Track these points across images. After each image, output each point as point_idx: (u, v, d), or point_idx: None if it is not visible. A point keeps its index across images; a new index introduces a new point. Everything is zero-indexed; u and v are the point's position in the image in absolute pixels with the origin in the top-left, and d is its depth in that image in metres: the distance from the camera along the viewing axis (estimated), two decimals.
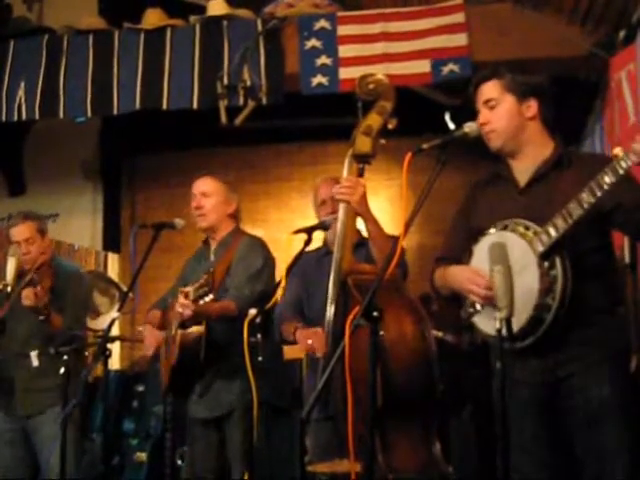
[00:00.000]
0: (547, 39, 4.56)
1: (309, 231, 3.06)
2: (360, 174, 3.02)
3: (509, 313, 2.24)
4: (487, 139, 2.60)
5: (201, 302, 3.24)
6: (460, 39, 4.65)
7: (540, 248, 2.35)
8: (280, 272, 2.98)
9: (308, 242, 3.05)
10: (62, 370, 3.50)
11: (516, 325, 2.30)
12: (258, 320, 2.90)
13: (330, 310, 2.91)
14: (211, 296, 3.20)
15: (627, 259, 3.81)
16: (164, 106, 4.86)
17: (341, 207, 3.03)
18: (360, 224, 3.12)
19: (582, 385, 2.42)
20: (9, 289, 3.96)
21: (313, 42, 4.81)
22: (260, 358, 2.89)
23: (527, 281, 2.34)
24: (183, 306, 3.28)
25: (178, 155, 6.78)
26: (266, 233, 6.17)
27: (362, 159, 3.02)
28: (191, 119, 5.25)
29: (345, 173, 3.09)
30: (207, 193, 3.68)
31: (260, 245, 3.71)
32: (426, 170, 2.45)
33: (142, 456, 5.27)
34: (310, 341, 3.05)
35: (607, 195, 2.25)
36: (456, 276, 2.58)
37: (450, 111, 5.02)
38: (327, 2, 5.03)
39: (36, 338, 3.96)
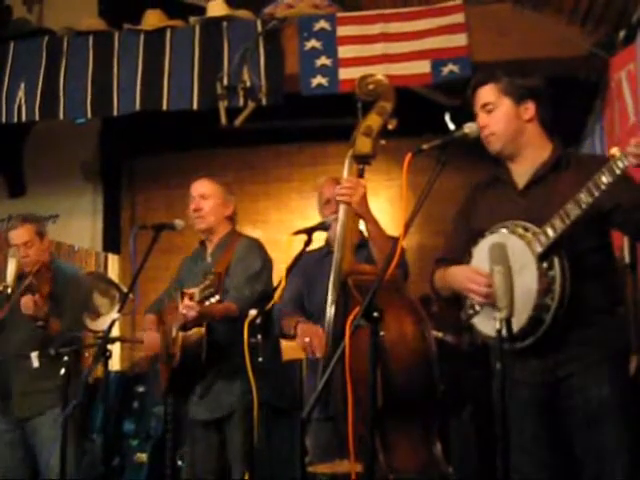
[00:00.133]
0: (547, 39, 4.55)
1: (309, 232, 3.06)
2: (360, 175, 3.02)
3: (509, 313, 2.24)
4: (486, 142, 2.61)
5: (207, 303, 3.23)
6: (460, 39, 4.65)
7: (538, 249, 2.35)
8: (280, 273, 2.98)
9: (308, 243, 3.05)
10: (62, 371, 3.50)
11: (516, 325, 2.30)
12: (258, 321, 2.90)
13: (330, 311, 2.92)
14: (217, 297, 3.19)
15: (627, 259, 3.82)
16: (164, 107, 4.86)
17: (341, 208, 3.03)
18: (361, 225, 3.12)
19: (582, 385, 2.42)
20: (9, 290, 3.96)
21: (313, 43, 4.81)
22: (260, 359, 2.89)
23: (526, 281, 2.35)
24: (188, 307, 3.27)
25: (178, 156, 6.77)
26: (266, 234, 6.21)
27: (362, 160, 3.02)
28: (191, 120, 5.25)
29: (345, 174, 3.09)
30: (205, 195, 3.69)
31: (258, 246, 3.71)
32: (426, 171, 2.45)
33: (142, 457, 5.28)
34: (308, 339, 3.04)
35: (605, 195, 2.25)
36: (456, 276, 2.58)
37: (450, 112, 5.02)
38: (327, 3, 5.03)
39: (33, 341, 3.95)
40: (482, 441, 4.58)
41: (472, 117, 2.63)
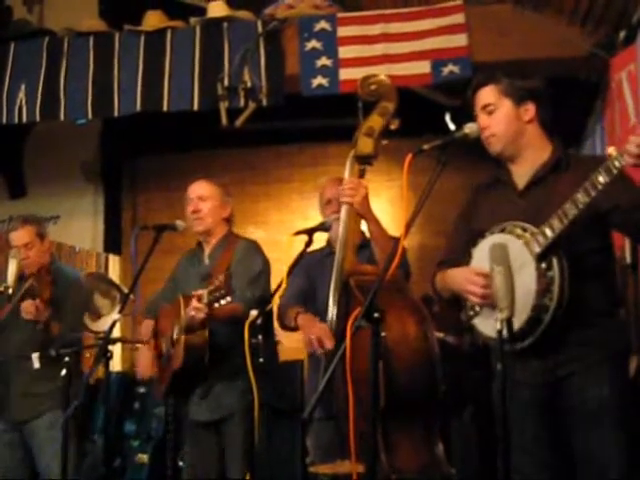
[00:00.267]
0: (547, 40, 4.56)
1: (310, 232, 3.06)
2: (361, 175, 3.02)
3: (510, 314, 2.24)
4: (487, 144, 2.61)
5: (216, 305, 3.22)
6: (460, 40, 4.65)
7: (537, 249, 2.35)
8: (281, 273, 2.98)
9: (309, 243, 3.06)
10: (64, 372, 3.50)
11: (515, 325, 2.30)
12: (259, 322, 2.90)
13: (332, 311, 2.92)
14: (229, 299, 3.17)
15: (628, 260, 3.82)
16: (165, 108, 4.87)
17: (343, 208, 3.03)
18: (363, 225, 3.12)
19: (582, 385, 2.42)
20: (10, 291, 3.96)
21: (313, 43, 4.81)
22: (261, 359, 2.89)
23: (525, 282, 2.34)
24: (196, 310, 3.26)
25: (179, 157, 6.78)
26: (267, 234, 6.22)
27: (364, 160, 3.03)
28: (192, 121, 5.26)
29: (347, 174, 3.09)
30: (204, 197, 3.68)
31: (257, 248, 3.71)
32: (427, 171, 2.45)
33: (143, 458, 5.27)
34: (314, 336, 3.03)
35: (603, 195, 2.25)
36: (455, 277, 2.58)
37: (450, 112, 5.02)
38: (327, 3, 5.03)
39: (34, 343, 3.94)
40: (483, 442, 4.58)
41: (472, 117, 2.63)
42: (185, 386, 3.59)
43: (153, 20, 5.08)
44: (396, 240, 2.47)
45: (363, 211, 3.01)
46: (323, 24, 4.84)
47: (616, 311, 2.54)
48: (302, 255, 3.04)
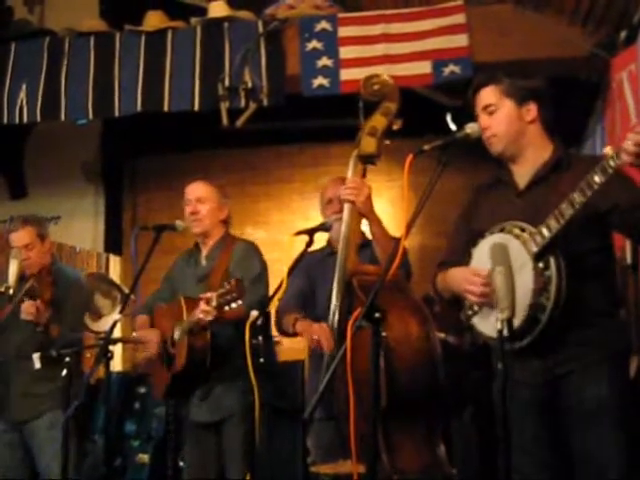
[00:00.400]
0: (548, 40, 4.56)
1: (311, 233, 3.06)
2: (362, 175, 3.02)
3: (511, 314, 2.24)
4: (488, 144, 2.61)
5: (226, 308, 3.21)
6: (461, 40, 4.65)
7: (534, 249, 2.35)
8: (281, 273, 2.97)
9: (310, 243, 3.05)
10: (64, 372, 3.50)
11: (514, 325, 2.30)
12: (259, 322, 2.90)
13: (334, 310, 2.92)
14: (240, 302, 3.17)
15: (629, 260, 3.81)
16: (165, 108, 4.87)
17: (346, 208, 3.04)
18: (364, 225, 3.12)
19: (580, 384, 2.42)
20: (11, 292, 3.96)
21: (314, 43, 4.81)
22: (262, 360, 2.88)
23: (524, 281, 2.35)
24: (205, 312, 3.25)
25: (179, 157, 6.77)
26: (267, 235, 6.22)
27: (367, 160, 3.03)
28: (192, 121, 5.25)
29: (350, 174, 3.09)
30: (202, 199, 3.68)
31: (255, 249, 3.71)
32: (427, 171, 2.45)
33: (144, 458, 5.27)
34: (316, 336, 3.03)
35: (603, 195, 2.25)
36: (454, 277, 2.59)
37: (451, 112, 5.02)
38: (328, 3, 5.03)
39: (34, 343, 3.94)
40: (483, 442, 4.58)
41: (473, 118, 2.63)
42: (185, 388, 3.59)
43: (154, 20, 5.08)
44: (397, 240, 2.47)
45: (365, 211, 3.01)
46: (324, 24, 4.84)
47: (616, 311, 2.54)
48: (303, 255, 3.04)
